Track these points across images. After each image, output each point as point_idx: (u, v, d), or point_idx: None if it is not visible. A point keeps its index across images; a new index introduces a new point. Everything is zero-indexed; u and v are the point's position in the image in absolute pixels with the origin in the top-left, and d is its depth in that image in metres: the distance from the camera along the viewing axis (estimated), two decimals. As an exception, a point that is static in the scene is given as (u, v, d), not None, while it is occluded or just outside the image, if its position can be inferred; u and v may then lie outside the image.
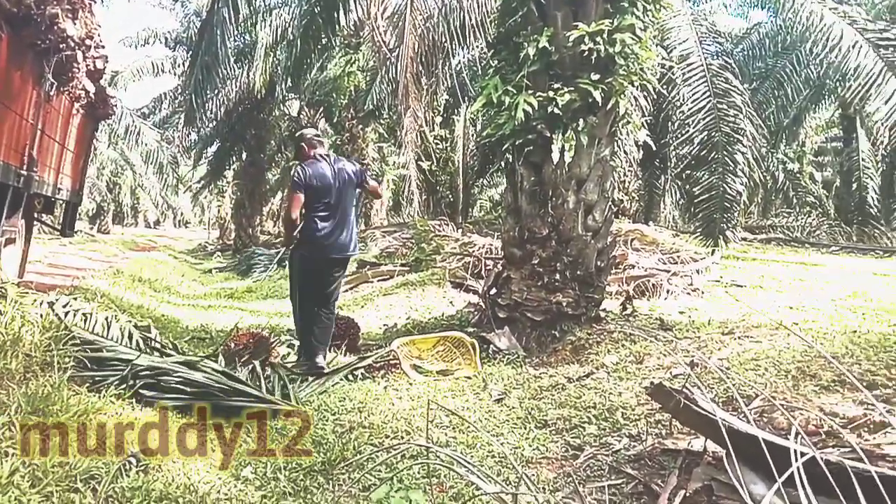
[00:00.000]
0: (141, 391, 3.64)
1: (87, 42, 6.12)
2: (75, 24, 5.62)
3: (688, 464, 2.71)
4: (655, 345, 4.40)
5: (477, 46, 10.30)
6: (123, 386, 3.62)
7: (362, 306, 9.26)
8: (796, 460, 2.06)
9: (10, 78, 4.93)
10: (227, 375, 3.94)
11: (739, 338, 4.39)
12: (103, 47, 7.11)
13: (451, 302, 8.39)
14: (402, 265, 11.60)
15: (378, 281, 11.15)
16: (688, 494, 2.49)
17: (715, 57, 9.74)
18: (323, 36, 9.33)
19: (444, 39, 8.29)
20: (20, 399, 2.87)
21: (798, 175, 22.06)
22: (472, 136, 20.35)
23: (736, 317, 5.51)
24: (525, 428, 3.40)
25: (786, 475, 2.02)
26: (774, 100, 14.90)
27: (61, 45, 5.35)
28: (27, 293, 5.60)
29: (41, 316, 4.25)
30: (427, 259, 10.98)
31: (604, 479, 2.76)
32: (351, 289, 11.29)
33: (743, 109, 9.09)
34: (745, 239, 14.82)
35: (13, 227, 5.90)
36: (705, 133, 8.98)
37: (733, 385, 3.04)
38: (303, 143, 5.10)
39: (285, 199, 4.86)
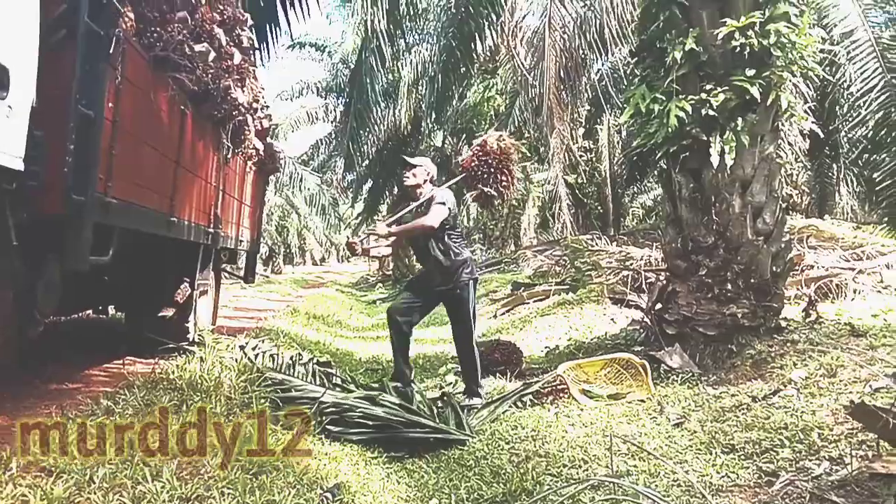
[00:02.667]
0: (328, 427, 3.89)
1: (255, 105, 6.73)
2: (244, 91, 6.21)
3: (904, 490, 2.44)
4: (849, 355, 4.02)
5: (617, 52, 10.11)
6: (312, 423, 3.88)
7: (521, 329, 9.28)
8: None
9: (195, 148, 5.53)
10: (405, 408, 4.10)
11: (951, 342, 3.90)
12: (268, 107, 7.78)
13: (612, 320, 8.19)
14: (558, 284, 11.50)
15: (534, 302, 11.12)
16: (908, 525, 2.25)
17: (884, 27, 8.85)
18: (462, 66, 9.61)
19: (583, 53, 8.23)
20: (228, 441, 3.17)
21: None
22: (618, 143, 19.85)
23: (942, 316, 4.92)
24: (710, 453, 3.23)
25: None
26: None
27: (234, 113, 5.93)
28: (221, 339, 6.21)
29: (236, 360, 4.68)
30: (583, 276, 10.81)
31: (806, 507, 2.56)
32: (507, 311, 11.37)
33: (924, 81, 8.19)
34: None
35: (206, 280, 6.55)
36: (881, 112, 8.20)
37: (952, 399, 2.71)
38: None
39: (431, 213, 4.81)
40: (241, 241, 7.59)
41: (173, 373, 4.30)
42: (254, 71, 6.75)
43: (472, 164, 5.25)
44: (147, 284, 5.62)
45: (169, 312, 5.77)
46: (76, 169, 3.36)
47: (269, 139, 8.48)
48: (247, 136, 6.56)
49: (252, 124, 6.68)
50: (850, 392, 3.49)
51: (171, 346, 5.28)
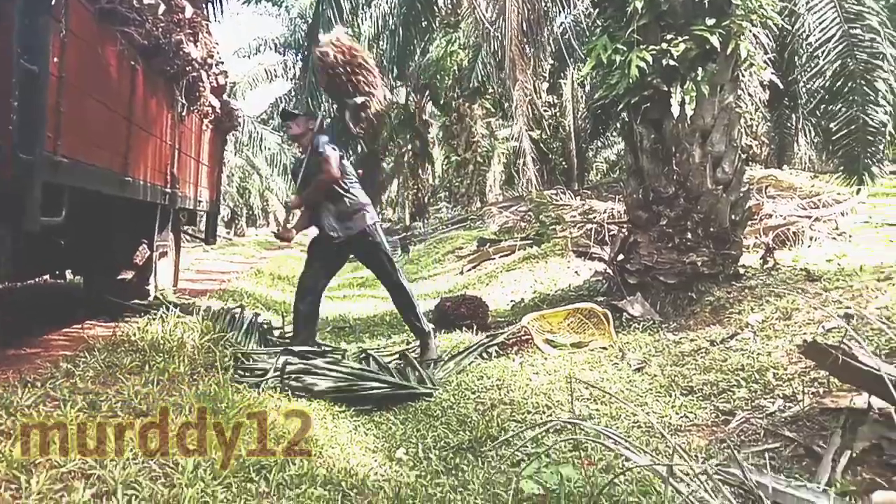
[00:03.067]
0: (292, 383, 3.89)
1: (209, 61, 6.53)
2: (197, 45, 6.01)
3: (852, 423, 2.54)
4: (803, 298, 4.14)
5: (580, 3, 10.02)
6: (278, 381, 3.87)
7: (487, 284, 9.36)
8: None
9: (148, 105, 5.35)
10: (366, 370, 4.16)
11: (899, 283, 4.04)
12: (223, 63, 7.55)
13: (576, 272, 8.29)
14: (523, 239, 11.57)
15: (500, 257, 11.20)
16: (854, 455, 2.35)
17: (844, -23, 8.86)
18: (423, 20, 9.43)
19: (545, 4, 8.13)
20: (192, 400, 3.15)
21: (953, 95, 19.78)
22: (581, 98, 19.83)
23: (892, 260, 5.08)
24: (669, 396, 3.32)
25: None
26: (918, 14, 13.43)
27: (188, 69, 5.74)
28: (183, 300, 6.13)
29: (199, 321, 4.62)
30: (548, 231, 10.89)
31: (760, 443, 2.66)
32: (474, 267, 11.44)
33: (881, 31, 8.26)
34: (893, 173, 13.53)
35: (165, 242, 6.42)
36: (838, 62, 8.27)
37: (897, 335, 2.82)
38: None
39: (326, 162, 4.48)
40: (200, 201, 7.44)
41: (134, 335, 4.23)
42: (207, 25, 6.53)
43: (325, 84, 5.03)
44: (104, 247, 5.49)
45: (128, 275, 5.66)
46: (22, 127, 3.23)
47: (225, 96, 8.27)
48: (202, 93, 6.38)
49: (207, 81, 6.50)
50: (804, 333, 3.60)
51: (132, 306, 5.20)
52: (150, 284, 5.89)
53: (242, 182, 38.58)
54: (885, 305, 3.71)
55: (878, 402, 2.48)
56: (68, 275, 6.41)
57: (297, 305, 4.87)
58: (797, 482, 2.20)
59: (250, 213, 42.62)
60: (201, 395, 3.18)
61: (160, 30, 5.10)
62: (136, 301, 5.46)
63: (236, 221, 39.79)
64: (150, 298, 5.78)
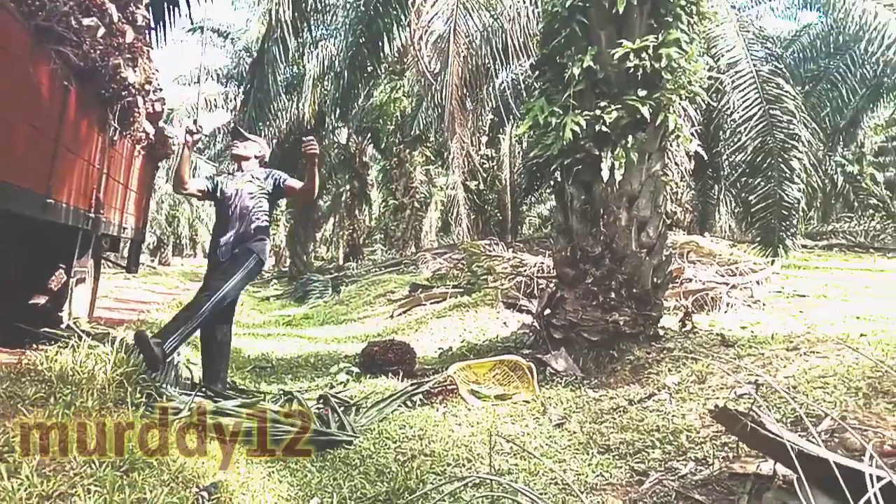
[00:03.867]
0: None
1: (147, 87, 6.39)
2: (135, 71, 5.89)
3: (758, 489, 2.63)
4: (718, 363, 4.30)
5: (520, 65, 10.36)
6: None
7: (416, 329, 9.34)
8: (872, 485, 1.99)
9: (78, 127, 5.18)
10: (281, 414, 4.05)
11: (805, 353, 4.25)
12: (161, 90, 7.42)
13: (504, 323, 8.39)
14: (455, 287, 11.65)
15: (431, 304, 11.21)
16: (759, 521, 2.43)
17: (765, 62, 9.53)
18: (369, 65, 9.56)
19: (487, 62, 8.37)
20: (98, 437, 2.99)
21: (858, 177, 21.25)
22: (518, 153, 20.34)
23: (800, 330, 5.35)
24: (587, 453, 3.37)
25: (863, 502, 1.95)
26: (829, 102, 14.51)
27: (123, 93, 5.61)
28: (97, 330, 5.86)
29: (112, 353, 4.42)
30: (479, 280, 11.00)
31: (671, 505, 2.72)
32: (404, 312, 11.39)
33: (796, 114, 8.89)
34: (805, 246, 14.38)
35: (83, 268, 6.15)
36: (758, 140, 8.81)
37: (801, 405, 2.96)
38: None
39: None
40: (125, 227, 7.19)
41: (42, 363, 4.01)
42: (147, 51, 6.42)
43: None
44: (17, 269, 5.21)
45: (41, 300, 5.38)
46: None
47: (161, 123, 8.10)
48: (136, 119, 6.22)
49: (143, 106, 6.35)
50: (717, 397, 3.73)
51: (42, 333, 4.94)
52: (64, 311, 5.61)
53: (172, 210, 37.59)
54: (792, 375, 3.90)
55: (782, 470, 2.58)
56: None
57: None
58: (703, 545, 2.25)
59: (177, 242, 41.42)
60: (107, 433, 3.02)
61: (98, 52, 4.97)
62: (47, 329, 5.18)
63: (162, 250, 38.57)
64: (63, 326, 5.50)
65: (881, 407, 3.05)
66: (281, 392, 4.90)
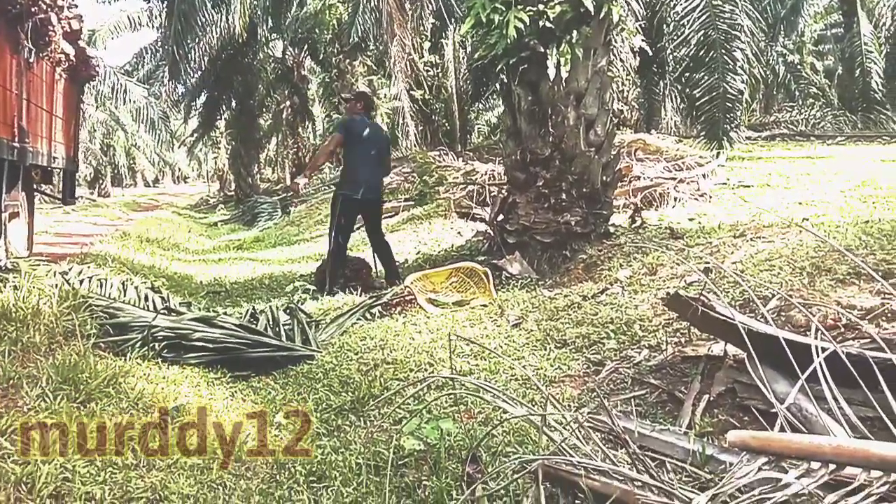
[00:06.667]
0: (164, 354, 3.69)
1: (60, 3, 5.93)
2: (45, -15, 5.43)
3: (710, 369, 2.74)
4: (667, 255, 4.40)
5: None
6: (146, 348, 3.67)
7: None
8: (818, 356, 2.07)
9: (-12, 49, 4.81)
10: (246, 329, 3.99)
11: (751, 239, 4.37)
12: (76, 6, 6.89)
13: (458, 232, 8.40)
14: (406, 200, 11.56)
15: (384, 218, 11.12)
16: (712, 398, 2.54)
17: (709, -51, 9.29)
18: (299, -31, 9.01)
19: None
20: (49, 370, 2.92)
21: (799, 67, 21.49)
22: (463, 59, 19.84)
23: (746, 218, 5.49)
24: (545, 349, 3.45)
25: (808, 371, 2.04)
26: (771, -10, 14.41)
27: (33, 9, 5.19)
28: (39, 265, 5.64)
29: (56, 286, 4.27)
30: (431, 191, 10.93)
31: (627, 391, 2.81)
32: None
33: (739, 4, 8.79)
34: (749, 138, 14.60)
35: (14, 201, 5.87)
36: (702, 32, 8.71)
37: (749, 287, 3.05)
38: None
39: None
40: (55, 157, 6.83)
41: (-21, 303, 3.86)
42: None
43: None
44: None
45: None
46: None
47: (81, 43, 7.57)
48: (52, 38, 5.79)
49: (58, 24, 5.90)
50: (668, 287, 3.83)
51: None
52: (0, 247, 5.38)
53: (106, 139, 35.92)
54: (739, 260, 4.01)
55: (732, 350, 2.68)
56: None
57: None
58: (661, 426, 2.35)
59: (115, 172, 39.84)
60: (59, 366, 2.95)
61: (0, -36, 4.56)
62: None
63: (100, 181, 37.07)
64: (1, 263, 5.28)
65: (824, 284, 3.17)
66: (249, 308, 4.85)
